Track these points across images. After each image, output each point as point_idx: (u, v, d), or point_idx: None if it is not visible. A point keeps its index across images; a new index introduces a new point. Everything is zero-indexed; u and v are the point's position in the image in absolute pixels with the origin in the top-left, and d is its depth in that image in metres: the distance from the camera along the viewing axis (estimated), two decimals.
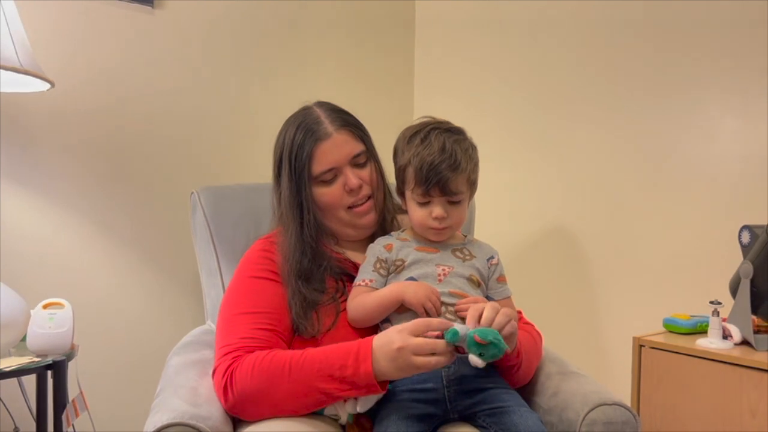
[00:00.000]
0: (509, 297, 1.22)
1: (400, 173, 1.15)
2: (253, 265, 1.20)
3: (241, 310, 1.12)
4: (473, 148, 1.14)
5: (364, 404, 1.02)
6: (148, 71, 1.72)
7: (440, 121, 1.16)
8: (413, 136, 1.12)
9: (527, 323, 1.28)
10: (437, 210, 1.10)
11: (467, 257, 1.17)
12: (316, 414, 1.04)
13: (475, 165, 1.14)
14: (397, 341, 0.95)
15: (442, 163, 1.07)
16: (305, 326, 1.12)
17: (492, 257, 1.20)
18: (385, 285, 1.14)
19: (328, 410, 1.04)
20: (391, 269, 1.15)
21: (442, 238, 1.16)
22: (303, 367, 0.99)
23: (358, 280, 1.16)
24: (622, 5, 1.72)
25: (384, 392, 1.00)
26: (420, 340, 0.95)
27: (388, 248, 1.16)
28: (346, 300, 1.16)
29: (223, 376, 1.02)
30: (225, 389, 1.02)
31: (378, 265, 1.15)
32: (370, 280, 1.14)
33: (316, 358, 1.00)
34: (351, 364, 0.97)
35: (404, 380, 1.04)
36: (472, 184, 1.15)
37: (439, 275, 1.12)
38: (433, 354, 0.95)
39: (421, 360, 0.95)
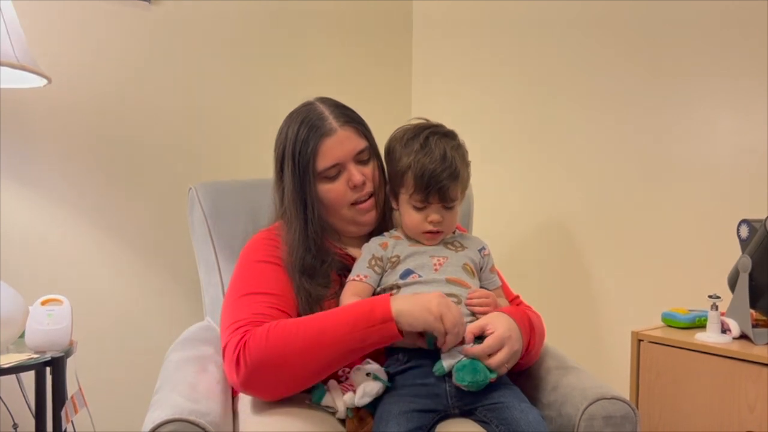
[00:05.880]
0: (500, 286, 1.25)
1: (397, 177, 1.15)
2: (259, 251, 1.19)
3: (252, 290, 1.11)
4: (467, 153, 1.16)
5: (362, 397, 1.02)
6: (145, 67, 1.72)
7: (435, 124, 1.17)
8: (411, 141, 1.13)
9: (528, 307, 1.29)
10: (434, 215, 1.12)
11: (459, 248, 1.19)
12: (313, 408, 1.04)
13: (469, 172, 1.16)
14: (436, 297, 1.02)
15: (443, 171, 1.08)
16: None
17: (483, 248, 1.22)
18: (379, 282, 1.15)
19: (326, 400, 1.04)
20: (386, 266, 1.16)
21: (434, 243, 1.17)
22: (316, 318, 1.03)
23: (352, 275, 1.16)
24: (619, 3, 1.72)
25: (401, 338, 1.02)
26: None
27: (383, 246, 1.17)
28: None
29: (235, 349, 1.00)
30: (237, 362, 0.99)
31: (373, 262, 1.15)
32: (365, 276, 1.14)
33: (329, 313, 1.04)
34: (367, 303, 1.04)
35: (406, 375, 1.06)
36: (465, 189, 1.17)
37: (435, 265, 1.14)
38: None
39: (446, 316, 1.01)
